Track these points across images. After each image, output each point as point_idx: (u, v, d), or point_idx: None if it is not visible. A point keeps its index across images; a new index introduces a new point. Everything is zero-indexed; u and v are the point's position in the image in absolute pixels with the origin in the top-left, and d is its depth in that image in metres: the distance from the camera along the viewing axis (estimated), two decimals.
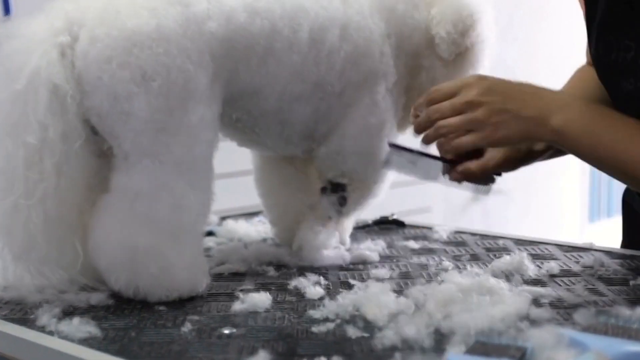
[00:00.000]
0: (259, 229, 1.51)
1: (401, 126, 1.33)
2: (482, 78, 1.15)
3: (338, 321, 0.99)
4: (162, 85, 1.06)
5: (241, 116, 1.21)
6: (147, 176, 1.07)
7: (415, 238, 1.46)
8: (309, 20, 1.18)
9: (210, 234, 1.47)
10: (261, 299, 1.06)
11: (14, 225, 1.06)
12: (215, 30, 1.10)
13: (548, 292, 1.09)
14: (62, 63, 1.05)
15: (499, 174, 1.26)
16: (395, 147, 1.23)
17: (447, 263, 1.27)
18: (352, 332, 0.94)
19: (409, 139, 1.25)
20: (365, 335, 0.94)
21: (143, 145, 1.07)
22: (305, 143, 1.28)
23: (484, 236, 1.47)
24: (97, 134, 1.09)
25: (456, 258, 1.31)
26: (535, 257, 1.30)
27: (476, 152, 1.21)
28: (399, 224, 1.58)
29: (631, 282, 1.14)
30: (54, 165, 1.05)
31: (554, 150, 1.27)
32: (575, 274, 1.20)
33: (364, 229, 1.54)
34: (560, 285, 1.14)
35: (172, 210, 1.08)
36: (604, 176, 4.03)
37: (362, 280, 1.16)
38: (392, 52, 1.26)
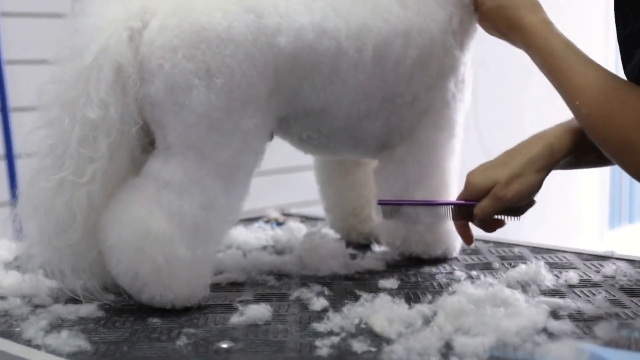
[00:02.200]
0: (258, 235, 1.51)
1: None
2: None
3: (343, 335, 0.99)
4: (225, 84, 1.10)
5: (312, 135, 1.28)
6: (185, 169, 1.10)
7: None
8: (373, 38, 1.22)
9: None
10: (261, 311, 1.06)
11: (56, 203, 1.08)
12: (283, 45, 1.14)
13: (567, 303, 1.09)
14: (129, 46, 1.09)
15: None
16: (386, 203, 1.29)
17: (458, 273, 1.27)
18: (358, 346, 0.94)
19: None
20: (372, 349, 0.93)
21: (191, 140, 1.10)
22: (380, 152, 1.35)
23: (498, 244, 1.47)
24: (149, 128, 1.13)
25: (468, 267, 1.31)
26: (552, 266, 1.30)
27: None
28: None
29: None
30: (109, 146, 1.09)
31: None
32: (595, 284, 1.20)
33: None
34: (579, 296, 1.14)
35: (200, 208, 1.10)
36: (625, 178, 4.03)
37: (369, 290, 1.15)
38: (455, 38, 1.30)
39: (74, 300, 1.11)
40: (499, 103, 3.31)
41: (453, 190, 1.34)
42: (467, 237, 1.29)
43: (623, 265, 1.28)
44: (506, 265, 1.31)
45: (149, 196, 1.09)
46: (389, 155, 1.33)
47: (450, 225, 1.33)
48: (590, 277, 1.24)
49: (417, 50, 1.26)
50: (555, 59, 1.21)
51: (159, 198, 1.09)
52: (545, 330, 0.97)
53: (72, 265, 1.11)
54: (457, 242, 1.37)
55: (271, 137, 1.25)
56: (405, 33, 1.25)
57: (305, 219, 1.70)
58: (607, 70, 1.20)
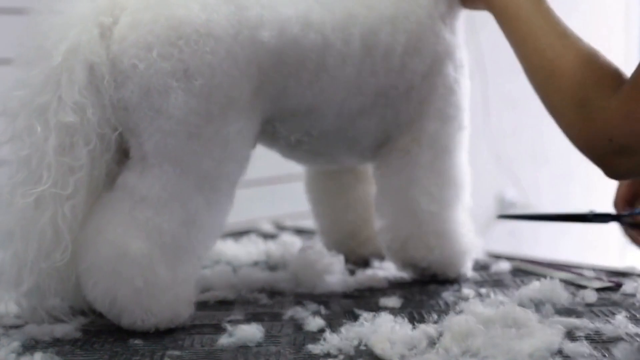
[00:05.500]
0: (249, 250, 1.51)
1: None
2: None
3: (341, 357, 0.99)
4: (205, 86, 1.09)
5: (302, 138, 1.26)
6: (163, 183, 1.09)
7: None
8: (359, 27, 1.22)
9: None
10: (252, 332, 1.06)
11: (38, 222, 1.06)
12: (267, 40, 1.14)
13: (584, 323, 1.09)
14: (101, 44, 1.08)
15: None
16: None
17: (467, 290, 1.27)
18: None
19: None
20: None
21: (168, 149, 1.09)
22: (378, 152, 1.34)
23: (510, 259, 1.47)
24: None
25: (477, 284, 1.31)
26: (568, 283, 1.30)
27: None
28: None
29: None
30: (89, 153, 1.07)
31: None
32: (614, 303, 1.20)
33: None
34: (597, 315, 1.14)
35: (180, 225, 1.09)
36: None
37: (369, 309, 1.16)
38: (445, 22, 1.30)
39: (49, 320, 1.11)
40: (511, 109, 3.32)
41: (466, 187, 1.34)
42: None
43: None
44: (518, 282, 1.32)
45: (125, 213, 1.08)
46: (390, 149, 1.32)
47: (458, 244, 1.33)
48: (609, 295, 1.24)
49: (405, 35, 1.26)
50: (520, 23, 1.19)
51: (135, 215, 1.08)
52: (560, 352, 0.97)
53: (59, 286, 1.10)
54: (463, 264, 1.35)
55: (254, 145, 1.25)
56: (392, 19, 1.25)
57: (301, 232, 1.70)
58: (582, 42, 1.16)
